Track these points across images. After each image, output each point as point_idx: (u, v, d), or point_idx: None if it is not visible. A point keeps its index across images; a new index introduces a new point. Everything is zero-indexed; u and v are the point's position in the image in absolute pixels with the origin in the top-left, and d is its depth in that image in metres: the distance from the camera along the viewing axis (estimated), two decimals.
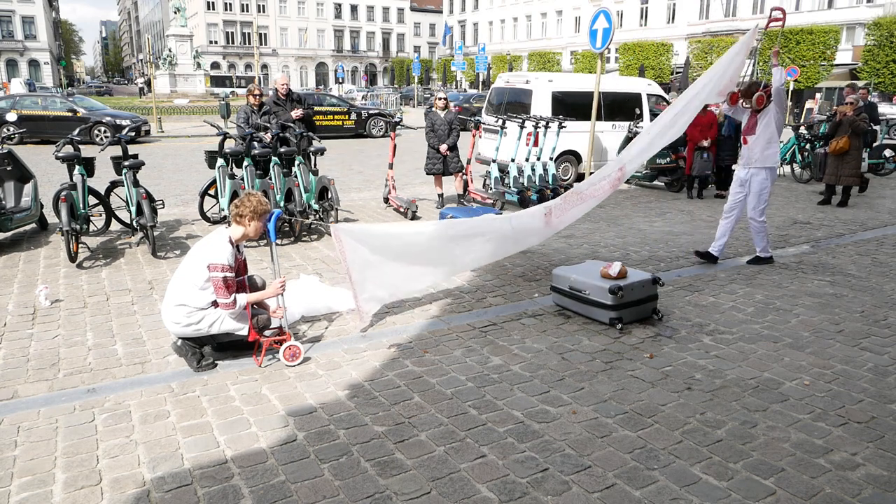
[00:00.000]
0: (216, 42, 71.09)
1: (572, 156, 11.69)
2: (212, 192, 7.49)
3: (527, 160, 9.76)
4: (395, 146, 9.21)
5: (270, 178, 7.23)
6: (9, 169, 7.03)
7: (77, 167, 6.57)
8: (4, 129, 13.65)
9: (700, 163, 10.22)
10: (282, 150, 7.48)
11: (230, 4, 71.63)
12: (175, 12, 40.00)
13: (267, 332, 4.17)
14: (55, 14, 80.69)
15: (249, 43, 69.33)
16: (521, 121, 9.63)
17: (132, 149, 8.05)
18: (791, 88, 28.13)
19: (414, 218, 8.39)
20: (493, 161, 9.81)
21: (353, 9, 78.42)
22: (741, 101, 6.18)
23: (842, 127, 9.55)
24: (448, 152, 8.96)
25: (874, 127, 12.69)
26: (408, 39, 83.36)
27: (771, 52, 6.10)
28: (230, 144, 7.40)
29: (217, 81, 46.93)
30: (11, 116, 11.23)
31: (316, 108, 17.96)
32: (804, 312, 5.14)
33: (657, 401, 3.66)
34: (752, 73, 6.18)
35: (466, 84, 60.47)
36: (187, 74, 38.39)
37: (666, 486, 2.88)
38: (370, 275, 4.76)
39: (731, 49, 5.98)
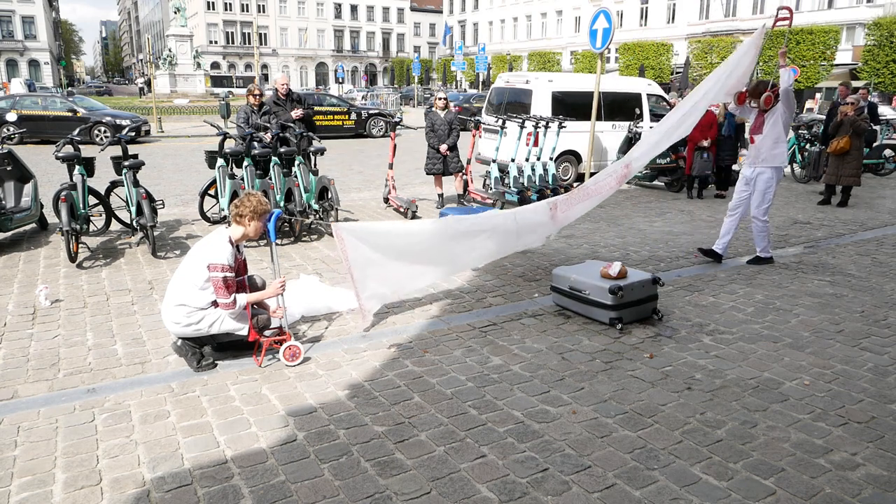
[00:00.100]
0: (216, 42, 71.10)
1: (572, 156, 11.69)
2: (212, 192, 7.49)
3: (527, 160, 9.76)
4: (395, 146, 9.21)
5: (270, 178, 7.23)
6: (9, 169, 7.03)
7: (77, 167, 6.57)
8: (4, 129, 13.65)
9: (700, 163, 10.22)
10: (282, 150, 7.48)
11: (230, 4, 71.64)
12: (175, 12, 40.00)
13: (267, 332, 4.17)
14: (55, 14, 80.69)
15: (249, 43, 69.35)
16: (521, 121, 9.64)
17: (132, 149, 8.05)
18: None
19: (414, 218, 8.39)
20: (493, 161, 9.81)
21: (353, 9, 78.44)
22: (749, 100, 6.19)
23: (843, 127, 9.55)
24: (448, 152, 8.96)
25: (874, 127, 12.70)
26: (408, 39, 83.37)
27: (778, 53, 6.11)
28: (230, 144, 7.40)
29: (217, 81, 46.93)
30: (11, 116, 11.23)
31: (316, 108, 17.96)
32: (804, 312, 5.14)
33: (657, 401, 3.66)
34: (754, 72, 6.18)
35: (466, 84, 60.48)
36: (187, 74, 38.40)
37: (666, 486, 2.88)
38: (372, 273, 4.74)
39: (738, 49, 5.99)
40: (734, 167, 11.08)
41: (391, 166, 9.11)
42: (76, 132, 7.45)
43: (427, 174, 9.26)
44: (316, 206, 7.46)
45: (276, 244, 4.97)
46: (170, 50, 38.62)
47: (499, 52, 59.80)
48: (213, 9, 70.93)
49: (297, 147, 7.64)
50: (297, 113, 8.29)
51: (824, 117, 13.72)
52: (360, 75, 73.57)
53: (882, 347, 4.46)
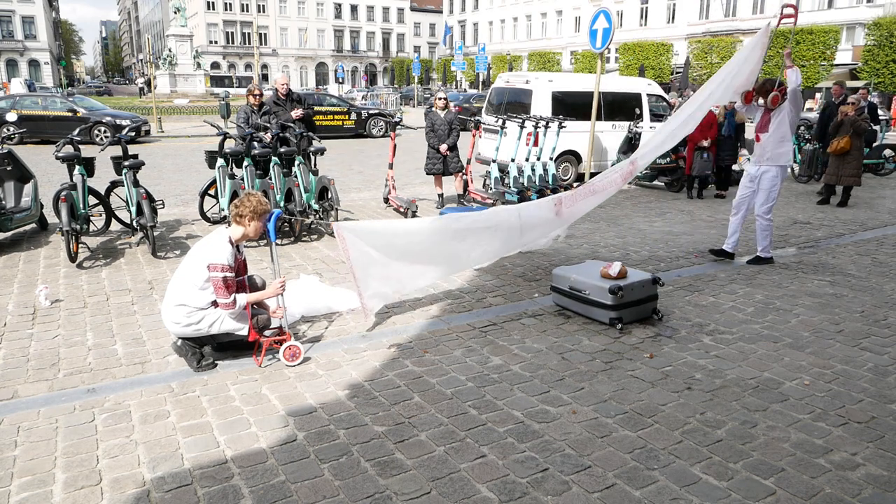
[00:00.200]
0: (216, 42, 71.10)
1: (572, 156, 11.69)
2: (212, 192, 7.49)
3: (527, 160, 9.77)
4: (395, 146, 9.21)
5: (270, 178, 7.23)
6: (9, 169, 7.03)
7: (77, 167, 6.57)
8: (4, 129, 13.65)
9: (700, 163, 10.22)
10: (282, 150, 7.48)
11: (230, 4, 71.63)
12: (175, 12, 39.99)
13: (267, 332, 4.17)
14: (55, 14, 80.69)
15: (249, 43, 69.33)
16: (521, 121, 9.64)
17: (132, 149, 8.06)
18: None
19: (414, 217, 8.38)
20: (493, 161, 9.81)
21: (353, 9, 78.42)
22: (755, 98, 6.20)
23: (843, 127, 9.55)
24: (448, 152, 8.96)
25: (874, 127, 12.70)
26: (408, 39, 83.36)
27: (784, 54, 6.12)
28: (230, 144, 7.40)
29: (217, 81, 46.93)
30: (11, 116, 11.24)
31: (316, 108, 17.95)
32: (804, 312, 5.14)
33: (657, 401, 3.66)
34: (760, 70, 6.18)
35: (466, 84, 60.47)
36: (187, 74, 38.39)
37: (666, 486, 2.88)
38: (374, 272, 4.73)
39: (744, 47, 5.99)
40: (734, 167, 11.08)
41: (391, 166, 9.11)
42: (76, 132, 7.45)
43: (427, 174, 9.26)
44: (316, 206, 7.46)
45: (276, 244, 4.97)
46: (170, 50, 38.61)
47: (499, 52, 59.80)
48: (213, 9, 70.93)
49: (297, 147, 7.64)
50: (297, 113, 8.29)
51: (816, 116, 13.75)
52: (360, 75, 73.56)
53: (882, 347, 4.46)
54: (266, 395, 3.69)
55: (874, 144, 12.93)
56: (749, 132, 12.98)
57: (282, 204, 7.16)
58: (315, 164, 7.83)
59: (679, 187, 11.05)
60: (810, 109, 28.91)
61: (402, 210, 8.65)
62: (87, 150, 7.26)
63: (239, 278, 4.11)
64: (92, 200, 6.86)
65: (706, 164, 10.26)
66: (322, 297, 5.15)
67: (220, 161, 7.25)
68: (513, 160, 9.66)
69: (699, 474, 2.97)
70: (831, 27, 35.24)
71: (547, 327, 4.79)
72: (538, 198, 8.84)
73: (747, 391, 3.78)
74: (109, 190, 7.13)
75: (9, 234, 7.17)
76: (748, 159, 12.36)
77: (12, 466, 2.99)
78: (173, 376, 3.91)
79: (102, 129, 17.94)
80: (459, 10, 71.42)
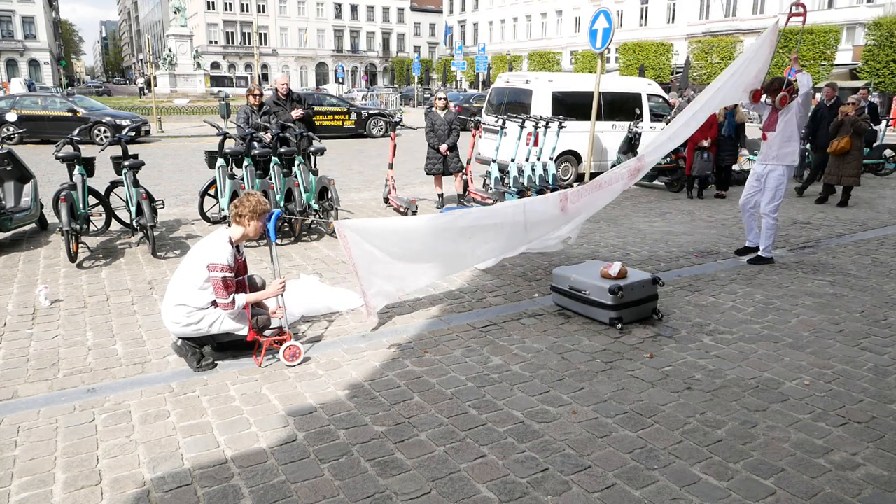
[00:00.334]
0: (216, 42, 71.09)
1: (572, 156, 11.69)
2: (212, 192, 7.49)
3: (527, 160, 9.77)
4: (395, 146, 9.21)
5: (270, 178, 7.23)
6: (9, 169, 7.03)
7: (77, 167, 6.57)
8: (4, 129, 13.65)
9: (700, 163, 10.22)
10: (282, 150, 7.48)
11: (230, 4, 71.62)
12: (175, 12, 40.02)
13: (267, 332, 4.17)
14: (55, 14, 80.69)
15: (249, 43, 69.32)
16: (521, 121, 9.64)
17: (132, 149, 8.06)
18: None
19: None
20: (493, 161, 9.81)
21: (353, 9, 78.41)
22: (764, 97, 6.21)
23: (843, 127, 9.56)
24: (448, 152, 8.96)
25: (874, 127, 12.70)
26: (408, 39, 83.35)
27: (791, 59, 6.13)
28: (230, 144, 7.40)
29: (217, 81, 46.94)
30: (11, 116, 11.22)
31: (316, 108, 17.95)
32: (804, 312, 5.14)
33: (657, 401, 3.66)
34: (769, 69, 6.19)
35: (466, 84, 60.47)
36: (187, 74, 38.41)
37: (666, 486, 2.88)
38: (377, 270, 4.70)
39: (752, 45, 5.99)
40: (734, 167, 11.08)
41: (391, 166, 9.11)
42: (76, 132, 7.45)
43: (427, 174, 9.26)
44: (316, 206, 7.46)
45: (276, 244, 4.97)
46: (170, 50, 38.64)
47: (499, 52, 59.79)
48: (213, 9, 70.91)
49: (297, 147, 7.64)
50: (297, 113, 8.29)
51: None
52: (360, 75, 73.54)
53: (882, 347, 4.46)
54: (266, 395, 3.69)
55: (874, 144, 12.93)
56: (749, 132, 13.01)
57: (282, 204, 7.16)
58: (315, 164, 7.83)
59: (679, 187, 11.05)
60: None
61: (402, 210, 8.65)
62: (87, 150, 7.26)
63: (239, 278, 4.11)
64: (92, 200, 6.86)
65: (706, 164, 10.26)
66: (322, 297, 5.15)
67: (220, 161, 7.25)
68: (513, 160, 9.66)
69: (699, 474, 2.97)
70: (831, 27, 35.23)
71: (547, 327, 4.79)
72: None
73: (747, 391, 3.78)
74: (109, 190, 7.13)
75: (9, 234, 7.17)
76: (748, 159, 12.38)
77: (12, 466, 2.99)
78: (173, 376, 3.91)
79: (102, 129, 17.94)
80: (459, 10, 71.42)
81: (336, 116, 21.33)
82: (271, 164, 7.29)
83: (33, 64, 61.50)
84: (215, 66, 66.27)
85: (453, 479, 2.92)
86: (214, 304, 3.93)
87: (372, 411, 3.51)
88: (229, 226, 4.10)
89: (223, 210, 7.05)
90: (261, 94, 8.14)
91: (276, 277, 4.20)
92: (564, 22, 56.05)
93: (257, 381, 3.86)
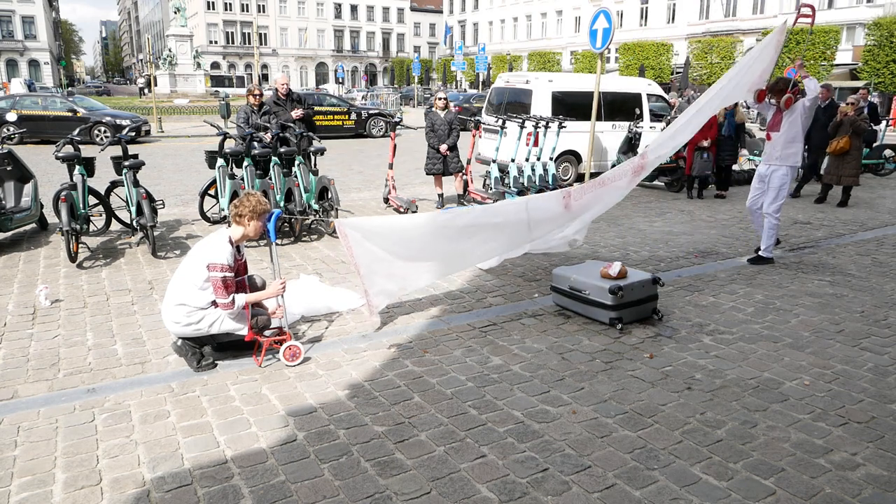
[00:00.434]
0: (216, 42, 71.07)
1: (572, 156, 11.69)
2: (212, 192, 7.49)
3: (527, 160, 9.76)
4: (395, 146, 9.21)
5: (270, 178, 7.23)
6: (9, 169, 7.03)
7: (77, 167, 6.57)
8: (4, 129, 13.65)
9: (700, 163, 10.22)
10: (282, 150, 7.48)
11: (230, 4, 71.61)
12: (175, 12, 40.00)
13: (267, 332, 4.17)
14: (55, 14, 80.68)
15: (249, 43, 69.30)
16: (521, 121, 9.64)
17: (132, 149, 8.06)
18: None
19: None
20: (493, 161, 9.81)
21: (353, 9, 78.40)
22: (768, 97, 6.22)
23: (842, 127, 9.56)
24: (448, 152, 8.96)
25: (874, 127, 12.69)
26: (408, 39, 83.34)
27: (796, 65, 6.14)
28: (230, 144, 7.40)
29: (217, 81, 46.93)
30: (11, 116, 11.23)
31: (316, 108, 17.95)
32: (804, 312, 5.14)
33: (657, 401, 3.66)
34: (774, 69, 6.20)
35: (466, 84, 60.46)
36: (187, 74, 38.39)
37: (666, 486, 2.88)
38: (378, 269, 4.68)
39: (759, 44, 6.00)
40: (734, 167, 11.08)
41: (391, 166, 9.11)
42: (76, 132, 7.45)
43: (427, 174, 9.26)
44: (316, 206, 7.46)
45: (276, 244, 4.97)
46: (170, 50, 38.62)
47: (499, 52, 59.79)
48: (213, 9, 70.90)
49: (297, 147, 7.64)
50: (297, 113, 8.29)
51: None
52: (360, 75, 73.54)
53: (882, 347, 4.46)
54: (266, 395, 3.69)
55: (874, 144, 12.92)
56: (751, 131, 13.02)
57: (282, 204, 7.16)
58: (315, 164, 7.83)
59: (679, 187, 11.05)
60: None
61: (402, 210, 8.65)
62: (87, 150, 7.26)
63: (239, 279, 4.11)
64: (92, 200, 6.86)
65: (706, 165, 10.26)
66: (322, 297, 5.15)
67: (220, 161, 7.25)
68: (513, 160, 9.66)
69: (699, 474, 2.97)
70: (831, 27, 35.21)
71: (547, 327, 4.79)
72: None
73: (747, 391, 3.78)
74: (109, 190, 7.13)
75: (9, 234, 7.17)
76: (748, 159, 12.38)
77: (12, 466, 2.99)
78: (173, 376, 3.91)
79: (102, 129, 17.94)
80: (459, 10, 71.42)
81: (336, 116, 21.33)
82: (271, 165, 7.29)
83: (33, 64, 61.49)
84: (215, 66, 66.27)
85: (453, 479, 2.92)
86: (214, 304, 3.93)
87: (372, 411, 3.51)
88: (229, 226, 4.10)
89: (223, 210, 7.05)
90: (261, 94, 8.15)
91: (276, 277, 4.20)
92: (564, 22, 56.05)
93: (257, 381, 3.86)
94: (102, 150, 7.34)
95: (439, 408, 3.55)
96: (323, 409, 3.53)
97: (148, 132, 19.72)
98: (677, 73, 40.63)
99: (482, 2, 67.09)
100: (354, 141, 20.57)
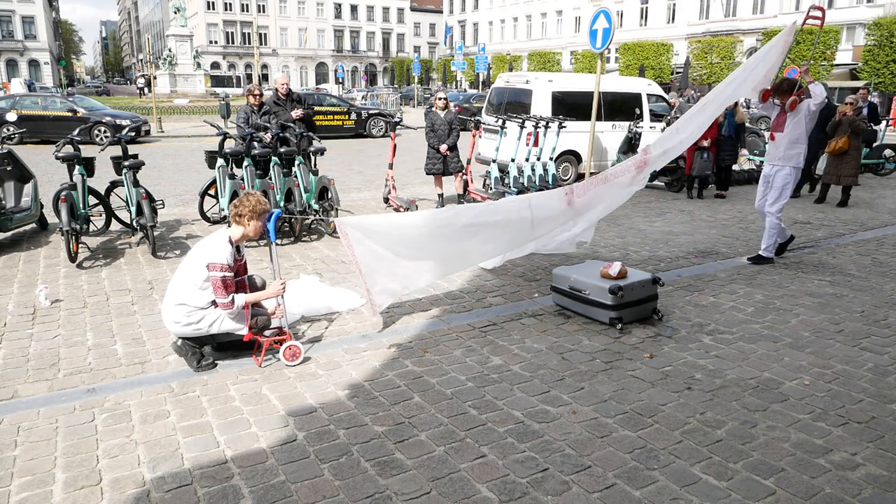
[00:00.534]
0: (216, 42, 71.06)
1: (572, 156, 11.69)
2: (212, 192, 7.49)
3: (527, 160, 9.77)
4: (395, 146, 9.21)
5: (270, 178, 7.23)
6: (9, 169, 7.03)
7: (77, 167, 6.57)
8: (4, 129, 13.65)
9: (700, 163, 10.22)
10: (282, 150, 7.48)
11: (230, 4, 71.60)
12: (175, 12, 40.01)
13: (267, 332, 4.17)
14: (55, 14, 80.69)
15: (249, 43, 69.29)
16: (521, 121, 9.64)
17: (132, 149, 8.06)
18: None
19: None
20: (493, 161, 9.81)
21: (353, 9, 78.39)
22: (773, 97, 6.22)
23: (841, 127, 9.56)
24: (448, 152, 8.96)
25: (874, 127, 12.69)
26: (408, 39, 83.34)
27: (801, 71, 6.14)
28: (230, 144, 7.40)
29: (217, 81, 46.93)
30: (11, 116, 11.22)
31: (316, 109, 17.95)
32: (804, 312, 5.14)
33: (657, 401, 3.66)
34: (780, 69, 6.20)
35: (466, 84, 60.47)
36: (187, 74, 38.41)
37: (666, 486, 2.88)
38: (380, 267, 4.66)
39: (766, 44, 6.01)
40: (734, 167, 11.07)
41: (391, 166, 9.11)
42: (76, 132, 7.46)
43: (427, 174, 9.26)
44: (316, 206, 7.46)
45: (276, 244, 4.97)
46: (170, 50, 38.63)
47: (499, 52, 59.79)
48: (213, 9, 70.89)
49: (297, 147, 7.64)
50: (297, 113, 8.29)
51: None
52: (360, 75, 73.53)
53: (882, 347, 4.46)
54: (266, 395, 3.69)
55: (874, 144, 12.92)
56: (755, 131, 13.02)
57: (282, 204, 7.16)
58: (315, 164, 7.83)
59: (679, 187, 11.05)
60: None
61: (402, 210, 8.64)
62: (87, 150, 7.26)
63: (238, 279, 4.11)
64: (92, 200, 6.86)
65: (706, 164, 10.26)
66: (322, 297, 5.15)
67: (220, 161, 7.25)
68: (513, 160, 9.66)
69: (699, 474, 2.97)
70: (831, 27, 35.21)
71: (547, 327, 4.79)
72: None
73: (747, 391, 3.78)
74: (109, 190, 7.13)
75: (9, 234, 7.17)
76: (748, 159, 12.39)
77: (12, 466, 2.99)
78: (173, 376, 3.91)
79: (102, 129, 17.94)
80: (459, 10, 71.41)
81: (336, 116, 21.33)
82: (271, 165, 7.29)
83: (33, 64, 61.49)
84: (215, 66, 66.26)
85: (453, 479, 2.92)
86: (214, 303, 3.93)
87: (372, 411, 3.51)
88: (229, 226, 4.10)
89: (223, 210, 7.05)
90: (261, 94, 8.15)
91: (276, 277, 4.20)
92: (564, 22, 56.04)
93: (257, 381, 3.86)
94: (102, 150, 7.34)
95: (439, 408, 3.55)
96: (323, 409, 3.53)
97: (148, 132, 19.72)
98: (677, 73, 40.64)
99: (482, 2, 67.08)
100: (354, 141, 20.57)
